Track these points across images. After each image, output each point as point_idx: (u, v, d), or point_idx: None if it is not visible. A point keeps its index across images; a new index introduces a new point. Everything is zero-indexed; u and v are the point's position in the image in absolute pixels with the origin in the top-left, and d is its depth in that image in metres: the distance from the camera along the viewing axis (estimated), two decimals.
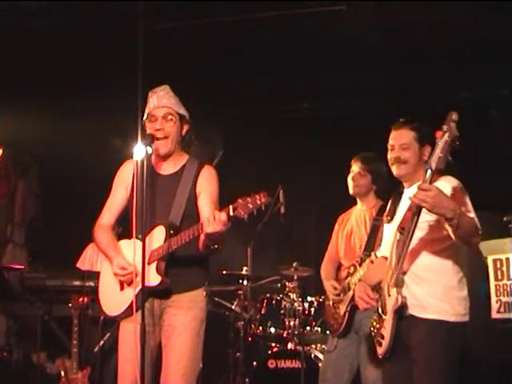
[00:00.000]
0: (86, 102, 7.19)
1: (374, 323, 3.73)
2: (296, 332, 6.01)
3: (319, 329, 6.06)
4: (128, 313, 3.92)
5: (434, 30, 6.28)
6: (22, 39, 6.37)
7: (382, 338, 3.62)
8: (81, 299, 6.44)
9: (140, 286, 3.78)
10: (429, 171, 3.31)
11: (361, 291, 3.87)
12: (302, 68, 6.99)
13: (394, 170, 3.86)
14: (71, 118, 7.27)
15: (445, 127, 3.28)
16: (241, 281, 6.42)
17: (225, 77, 7.13)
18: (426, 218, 3.53)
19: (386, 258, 3.89)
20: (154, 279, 3.87)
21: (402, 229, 3.61)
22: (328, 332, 5.84)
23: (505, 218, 4.68)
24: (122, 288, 4.03)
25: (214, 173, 4.16)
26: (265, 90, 7.27)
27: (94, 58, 6.68)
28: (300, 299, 6.09)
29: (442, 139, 3.24)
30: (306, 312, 6.07)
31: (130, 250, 3.96)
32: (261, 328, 6.19)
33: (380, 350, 3.67)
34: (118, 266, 3.95)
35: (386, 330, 3.60)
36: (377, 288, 3.79)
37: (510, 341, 5.12)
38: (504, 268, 5.11)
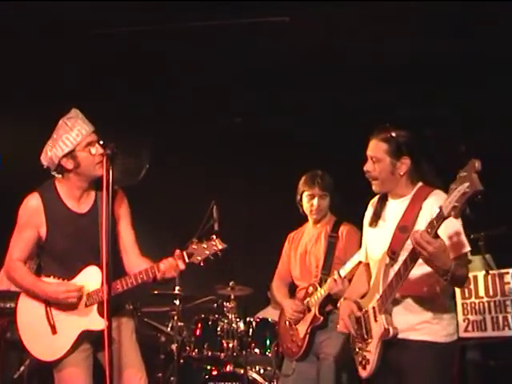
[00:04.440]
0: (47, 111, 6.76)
1: (357, 343, 3.56)
2: (235, 354, 5.79)
3: (258, 350, 5.84)
4: (70, 355, 3.86)
5: (372, 49, 6.29)
6: None
7: (367, 362, 3.47)
8: (0, 322, 5.96)
9: (81, 329, 3.83)
10: (439, 219, 3.07)
11: (345, 312, 3.66)
12: (235, 82, 6.84)
13: (372, 185, 3.67)
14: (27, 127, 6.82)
15: (463, 174, 2.97)
16: (174, 301, 6.15)
17: (154, 90, 6.90)
18: None
19: (368, 265, 3.74)
20: (98, 324, 3.76)
21: (392, 253, 3.45)
22: (268, 353, 5.72)
23: (472, 236, 4.63)
24: (54, 331, 3.89)
25: (123, 195, 4.10)
26: (196, 103, 7.07)
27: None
28: (238, 319, 5.88)
29: (459, 188, 2.94)
30: (244, 333, 5.86)
31: None
32: (196, 350, 5.92)
33: (364, 373, 3.51)
34: (62, 291, 3.82)
35: (371, 355, 3.44)
36: (358, 305, 3.61)
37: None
38: (472, 286, 5.04)
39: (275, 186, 7.11)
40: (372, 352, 3.44)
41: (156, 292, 6.16)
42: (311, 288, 4.68)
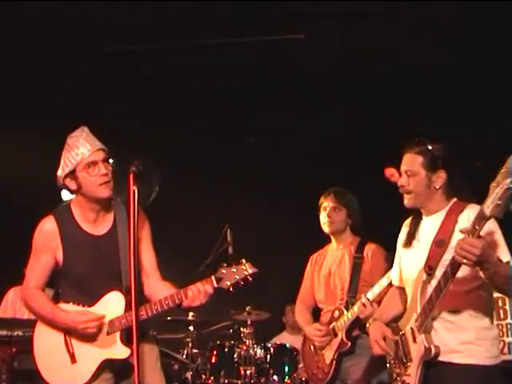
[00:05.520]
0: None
1: (395, 369, 3.40)
2: (252, 381, 5.60)
3: (276, 377, 5.66)
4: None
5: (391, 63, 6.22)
6: None
7: None
8: (8, 350, 5.75)
9: (103, 357, 3.65)
10: (480, 220, 2.93)
11: (377, 334, 3.51)
12: (245, 101, 6.73)
13: (404, 199, 3.53)
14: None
15: (504, 170, 2.85)
16: (189, 327, 5.97)
17: (164, 111, 6.79)
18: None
19: (400, 288, 3.60)
20: (121, 352, 3.62)
21: (429, 269, 3.31)
22: (286, 380, 5.57)
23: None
24: (73, 360, 3.70)
25: (144, 216, 3.84)
26: (206, 124, 6.95)
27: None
28: (255, 345, 5.70)
29: (502, 184, 2.82)
30: (263, 359, 5.67)
31: None
32: (212, 378, 5.73)
33: None
34: (81, 320, 3.62)
35: (411, 379, 3.29)
36: (395, 329, 3.46)
37: None
38: (507, 306, 4.88)
39: (288, 207, 6.97)
40: (412, 376, 3.29)
41: (169, 318, 5.98)
42: (337, 312, 4.51)
